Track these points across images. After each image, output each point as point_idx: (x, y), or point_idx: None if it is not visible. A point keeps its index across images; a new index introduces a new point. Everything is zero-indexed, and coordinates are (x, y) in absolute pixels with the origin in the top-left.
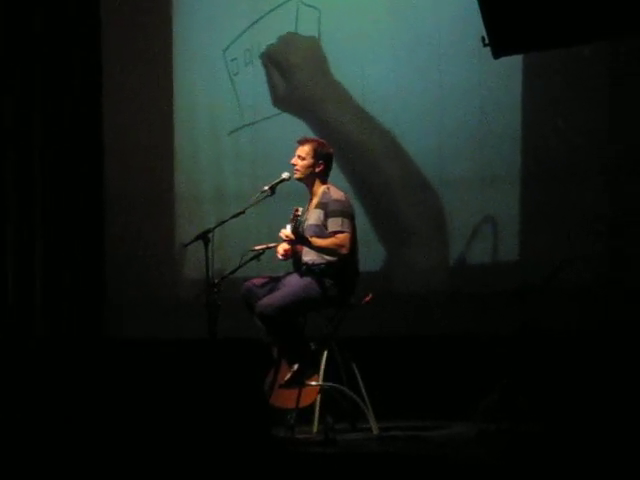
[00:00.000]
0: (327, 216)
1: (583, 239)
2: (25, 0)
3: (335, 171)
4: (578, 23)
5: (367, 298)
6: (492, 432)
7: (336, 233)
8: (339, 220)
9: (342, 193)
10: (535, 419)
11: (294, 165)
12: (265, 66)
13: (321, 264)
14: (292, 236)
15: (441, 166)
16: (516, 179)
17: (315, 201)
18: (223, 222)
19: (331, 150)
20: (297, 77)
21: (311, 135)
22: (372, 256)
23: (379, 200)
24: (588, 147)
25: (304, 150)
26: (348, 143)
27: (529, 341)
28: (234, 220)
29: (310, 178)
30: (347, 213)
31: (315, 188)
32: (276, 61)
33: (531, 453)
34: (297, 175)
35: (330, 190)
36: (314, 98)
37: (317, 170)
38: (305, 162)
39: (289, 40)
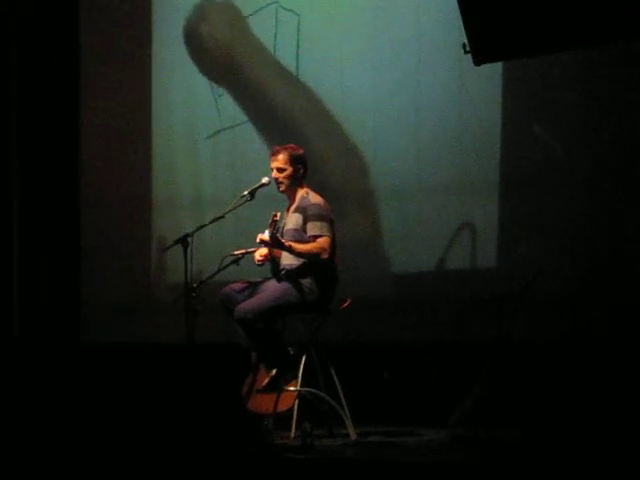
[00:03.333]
0: (306, 220)
1: (561, 247)
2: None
3: (312, 179)
4: (558, 31)
5: (345, 303)
6: (467, 438)
7: (316, 237)
8: (318, 224)
9: (321, 198)
10: (510, 426)
11: (276, 179)
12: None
13: (300, 268)
14: (269, 240)
15: (419, 173)
16: (495, 186)
17: (294, 206)
18: (202, 226)
19: (302, 150)
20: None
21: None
22: (350, 262)
23: (357, 206)
24: (567, 154)
25: (281, 160)
26: (323, 150)
27: (505, 348)
28: (213, 225)
29: (293, 186)
30: (326, 217)
31: (294, 193)
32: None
33: (505, 459)
34: (282, 189)
35: (309, 195)
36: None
37: (299, 175)
38: (286, 172)
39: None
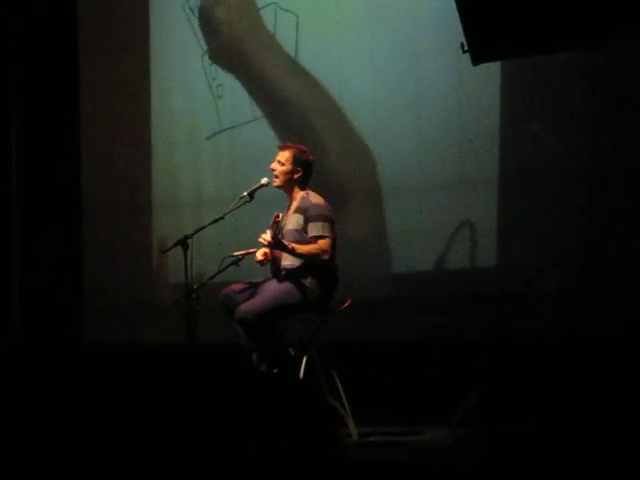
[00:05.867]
0: (307, 221)
1: (561, 246)
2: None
3: (312, 179)
4: (556, 31)
5: (346, 304)
6: (470, 437)
7: (317, 238)
8: (320, 225)
9: (321, 198)
10: (513, 424)
11: (273, 170)
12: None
13: (300, 269)
14: (272, 240)
15: (419, 171)
16: (494, 184)
17: (294, 206)
18: (202, 228)
19: (311, 157)
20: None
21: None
22: (349, 261)
23: (356, 205)
24: (566, 153)
25: (284, 156)
26: (324, 149)
27: (505, 347)
28: (213, 226)
29: (289, 184)
30: (327, 218)
31: (294, 194)
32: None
33: (509, 458)
34: (276, 183)
35: (309, 195)
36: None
37: (295, 177)
38: (284, 168)
39: None
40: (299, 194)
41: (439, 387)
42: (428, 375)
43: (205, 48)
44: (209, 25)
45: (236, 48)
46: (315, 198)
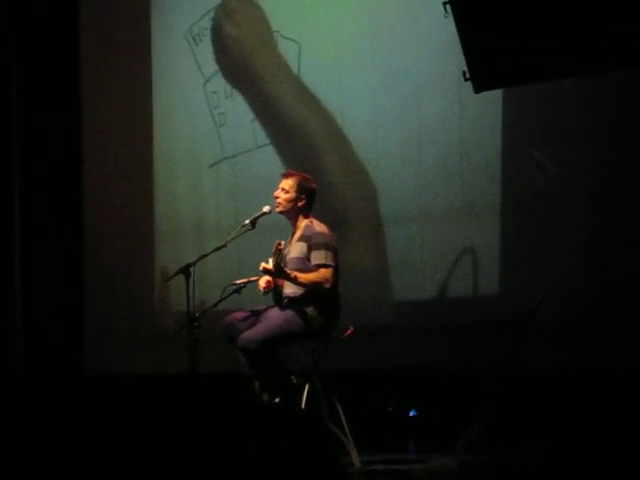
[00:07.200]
0: (310, 249)
1: (564, 272)
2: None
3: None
4: (558, 58)
5: (348, 331)
6: (473, 465)
7: (320, 267)
8: (323, 253)
9: (325, 226)
10: (517, 451)
11: (276, 198)
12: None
13: (303, 297)
14: (273, 268)
15: (421, 199)
16: (496, 211)
17: (298, 234)
18: (204, 256)
19: (314, 185)
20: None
21: (295, 169)
22: (352, 289)
23: (358, 233)
24: (568, 179)
25: (288, 183)
26: (326, 176)
27: (509, 374)
28: (215, 254)
29: (292, 212)
30: (331, 246)
31: (298, 222)
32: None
33: None
34: (279, 209)
35: (313, 223)
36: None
37: (299, 204)
38: (288, 195)
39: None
40: (303, 222)
41: (443, 415)
42: (431, 402)
43: (207, 77)
44: (220, 43)
45: (245, 67)
46: (319, 226)
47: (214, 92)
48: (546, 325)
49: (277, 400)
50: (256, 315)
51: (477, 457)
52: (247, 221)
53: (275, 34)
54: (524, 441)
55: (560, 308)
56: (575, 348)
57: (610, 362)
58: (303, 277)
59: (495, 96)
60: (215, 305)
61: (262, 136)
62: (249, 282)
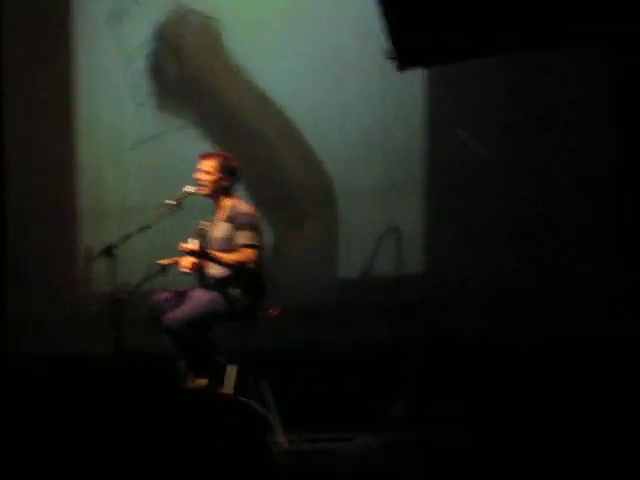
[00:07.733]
0: (236, 229)
1: (488, 251)
2: None
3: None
4: (483, 36)
5: (274, 311)
6: (399, 443)
7: (244, 247)
8: (248, 233)
9: (250, 207)
10: (443, 429)
11: (199, 180)
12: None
13: (227, 277)
14: (194, 248)
15: (345, 177)
16: (420, 189)
17: (222, 214)
18: (128, 236)
19: (236, 163)
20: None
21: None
22: (275, 267)
23: (283, 210)
24: (491, 156)
25: (209, 164)
26: (251, 153)
27: (435, 350)
28: (140, 235)
29: (216, 193)
30: (255, 226)
31: (222, 202)
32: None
33: (438, 463)
34: (205, 191)
35: (239, 204)
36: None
37: (224, 184)
38: (211, 177)
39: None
40: (227, 202)
41: (368, 392)
42: (356, 380)
43: (130, 56)
44: (144, 23)
45: (169, 47)
46: (244, 206)
47: (137, 72)
48: (468, 301)
49: (203, 382)
50: (181, 296)
51: (402, 435)
52: (171, 201)
53: (197, 14)
54: (450, 419)
55: (483, 285)
56: (497, 323)
57: (531, 335)
58: (227, 257)
59: (419, 75)
60: (139, 285)
61: (187, 116)
62: (174, 262)
